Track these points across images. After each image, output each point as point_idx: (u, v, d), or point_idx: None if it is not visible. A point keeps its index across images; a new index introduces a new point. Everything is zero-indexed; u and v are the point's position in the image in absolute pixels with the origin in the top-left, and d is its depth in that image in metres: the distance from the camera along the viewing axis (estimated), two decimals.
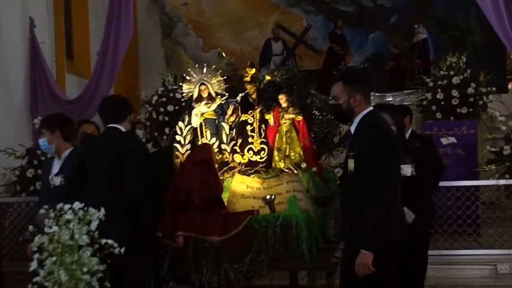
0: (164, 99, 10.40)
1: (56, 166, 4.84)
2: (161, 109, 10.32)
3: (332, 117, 7.54)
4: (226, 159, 6.00)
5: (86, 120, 6.38)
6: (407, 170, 4.22)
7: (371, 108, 3.71)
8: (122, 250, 2.39)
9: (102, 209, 2.45)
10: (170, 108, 10.18)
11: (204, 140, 6.02)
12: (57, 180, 4.74)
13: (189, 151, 5.93)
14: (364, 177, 3.49)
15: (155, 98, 10.53)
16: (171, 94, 10.34)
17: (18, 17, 9.91)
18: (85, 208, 2.37)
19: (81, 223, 2.33)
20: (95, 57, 10.99)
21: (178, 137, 6.01)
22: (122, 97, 5.00)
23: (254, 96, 6.21)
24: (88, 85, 10.61)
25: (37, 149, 8.33)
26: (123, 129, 4.67)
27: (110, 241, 2.39)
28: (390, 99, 11.70)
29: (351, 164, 3.59)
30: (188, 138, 6.02)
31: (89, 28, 12.63)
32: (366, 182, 3.47)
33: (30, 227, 2.55)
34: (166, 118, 10.18)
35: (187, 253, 5.19)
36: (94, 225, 2.38)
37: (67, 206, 2.38)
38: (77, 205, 2.38)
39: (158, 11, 13.90)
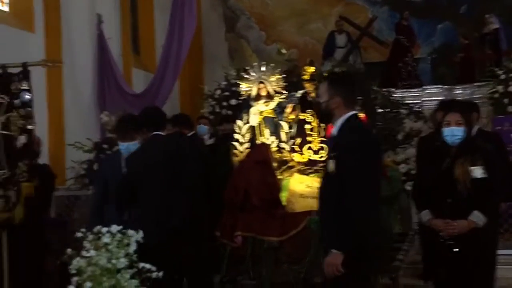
0: (227, 93, 10.45)
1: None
2: (224, 103, 10.37)
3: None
4: (285, 158, 5.97)
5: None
6: (477, 172, 4.06)
7: (354, 112, 3.67)
8: (160, 274, 2.38)
9: (141, 232, 2.46)
10: (233, 102, 10.23)
11: (263, 139, 6.00)
12: None
13: (248, 150, 5.94)
14: (344, 179, 3.45)
15: (218, 92, 10.59)
16: (234, 88, 10.36)
17: (86, 13, 10.18)
18: (123, 231, 2.38)
19: (120, 246, 2.35)
20: (161, 51, 11.18)
21: (237, 136, 6.02)
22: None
23: (313, 94, 6.13)
24: (153, 79, 10.81)
25: (104, 143, 8.54)
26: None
27: (147, 266, 2.39)
28: (459, 91, 11.31)
29: (331, 165, 3.54)
30: (247, 136, 6.01)
31: (154, 23, 12.82)
32: (345, 183, 3.43)
33: (68, 250, 2.58)
34: (229, 112, 10.23)
35: (245, 253, 5.20)
36: (132, 248, 2.39)
37: (104, 229, 2.41)
38: (115, 227, 2.40)
39: (221, 5, 13.97)
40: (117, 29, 11.15)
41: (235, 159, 5.94)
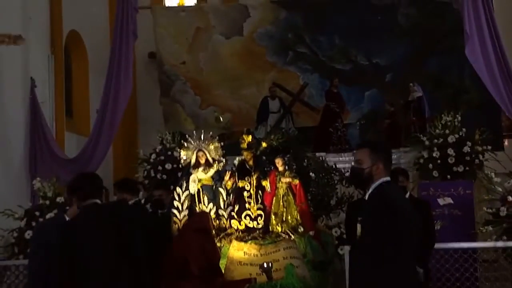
0: (162, 157, 10.43)
1: None
2: (159, 167, 10.34)
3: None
4: (224, 225, 6.04)
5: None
6: (358, 230, 4.24)
7: (388, 178, 3.82)
8: None
9: None
10: (168, 166, 10.22)
11: (202, 206, 6.06)
12: None
13: (186, 217, 5.97)
14: (376, 244, 3.56)
15: (153, 156, 10.57)
16: (169, 152, 10.39)
17: (20, 77, 10.05)
18: None
19: None
20: (95, 115, 11.11)
21: (176, 203, 6.05)
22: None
23: (251, 162, 6.29)
24: (87, 143, 10.68)
25: (36, 211, 8.33)
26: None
27: None
28: None
29: (358, 229, 3.68)
30: (186, 204, 6.06)
31: (89, 86, 12.81)
32: (375, 250, 3.55)
33: None
34: (164, 177, 10.20)
35: None
36: None
37: None
38: None
39: (156, 69, 14.10)
40: (51, 93, 11.04)
41: (174, 226, 5.95)
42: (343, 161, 11.18)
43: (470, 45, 9.38)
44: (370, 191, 3.78)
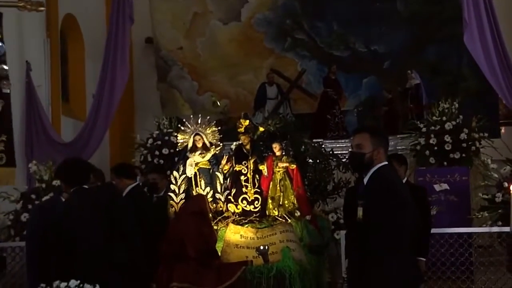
0: (159, 142, 10.42)
1: None
2: (156, 152, 10.33)
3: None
4: (220, 209, 6.04)
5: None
6: (359, 212, 4.24)
7: (386, 162, 3.84)
8: None
9: (97, 286, 2.49)
10: (165, 151, 10.21)
11: (199, 190, 6.06)
12: None
13: (183, 201, 5.96)
14: (374, 229, 3.58)
15: (150, 141, 10.55)
16: (166, 137, 10.37)
17: (15, 61, 9.98)
18: (81, 285, 2.41)
19: None
20: (91, 100, 11.07)
21: (172, 187, 6.04)
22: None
23: (248, 147, 6.29)
24: (83, 127, 10.66)
25: (32, 193, 8.32)
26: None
27: None
28: None
29: (359, 212, 3.67)
30: (183, 187, 6.05)
31: (85, 71, 12.74)
32: (377, 234, 3.56)
33: None
34: (161, 161, 10.19)
35: None
36: None
37: (63, 284, 2.43)
38: (73, 283, 2.43)
39: (153, 54, 14.05)
40: (46, 77, 10.97)
41: (171, 210, 5.95)
42: (340, 147, 11.20)
43: (468, 33, 9.35)
44: (369, 174, 3.78)
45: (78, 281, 2.38)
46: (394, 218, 3.57)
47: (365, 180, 3.82)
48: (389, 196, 3.62)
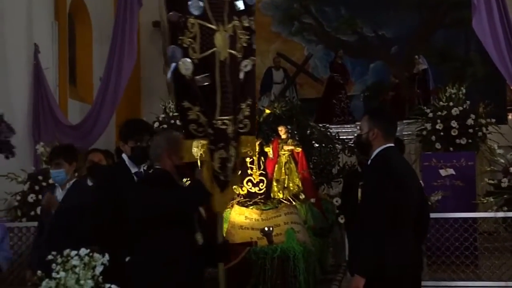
0: (165, 125, 10.45)
1: (59, 197, 4.84)
2: None
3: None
4: None
5: (94, 149, 6.32)
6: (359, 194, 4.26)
7: (391, 144, 3.81)
8: None
9: (107, 255, 2.52)
10: None
11: None
12: None
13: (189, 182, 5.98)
14: (362, 208, 3.62)
15: (156, 124, 10.58)
16: (172, 121, 10.40)
17: (23, 43, 10.03)
18: (90, 254, 2.45)
19: (86, 269, 2.41)
20: (98, 83, 11.09)
21: None
22: None
23: None
24: (90, 110, 10.72)
25: (39, 175, 8.38)
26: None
27: (113, 286, 2.47)
28: None
29: (359, 194, 3.71)
30: None
31: (93, 54, 12.76)
32: (363, 212, 3.59)
33: (39, 272, 2.59)
34: None
35: None
36: (98, 270, 2.45)
37: (73, 252, 2.46)
38: (83, 251, 2.46)
39: (160, 38, 13.99)
40: (54, 60, 11.02)
41: None
42: (346, 132, 11.21)
43: (477, 17, 9.29)
44: (372, 157, 3.80)
45: (88, 250, 2.42)
46: (382, 198, 3.54)
47: (369, 162, 3.85)
48: (382, 176, 3.61)
